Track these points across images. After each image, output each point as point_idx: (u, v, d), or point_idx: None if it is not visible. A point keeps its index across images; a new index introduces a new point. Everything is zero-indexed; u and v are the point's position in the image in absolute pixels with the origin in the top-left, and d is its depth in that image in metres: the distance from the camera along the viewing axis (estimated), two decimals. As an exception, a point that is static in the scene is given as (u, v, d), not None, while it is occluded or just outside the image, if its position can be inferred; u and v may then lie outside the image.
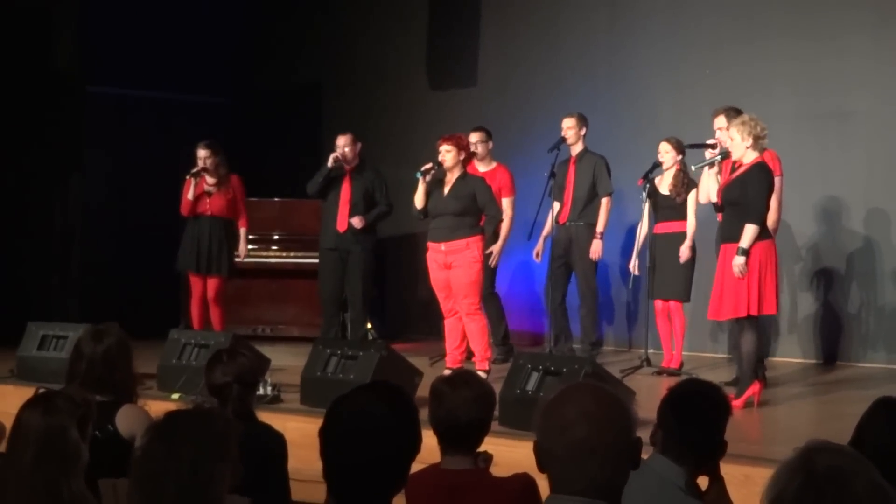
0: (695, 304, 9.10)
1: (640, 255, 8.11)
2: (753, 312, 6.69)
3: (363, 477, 2.41)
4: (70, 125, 10.60)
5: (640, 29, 9.81)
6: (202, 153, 8.86)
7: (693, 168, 7.71)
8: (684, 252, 7.91)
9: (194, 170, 8.85)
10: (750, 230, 6.63)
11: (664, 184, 8.07)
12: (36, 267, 10.47)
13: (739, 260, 6.61)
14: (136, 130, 11.16)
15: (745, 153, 6.74)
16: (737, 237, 6.68)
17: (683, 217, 8.01)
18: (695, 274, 8.07)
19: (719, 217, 7.12)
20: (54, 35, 10.53)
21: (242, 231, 9.11)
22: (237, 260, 9.10)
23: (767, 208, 6.76)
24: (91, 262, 10.69)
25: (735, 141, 6.76)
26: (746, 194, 6.70)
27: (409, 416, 2.51)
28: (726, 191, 6.89)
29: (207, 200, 8.92)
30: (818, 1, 8.89)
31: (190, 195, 8.87)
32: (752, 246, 6.62)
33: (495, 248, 8.35)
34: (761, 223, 6.69)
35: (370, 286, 9.19)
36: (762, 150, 6.81)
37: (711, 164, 7.39)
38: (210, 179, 8.90)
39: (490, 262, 8.35)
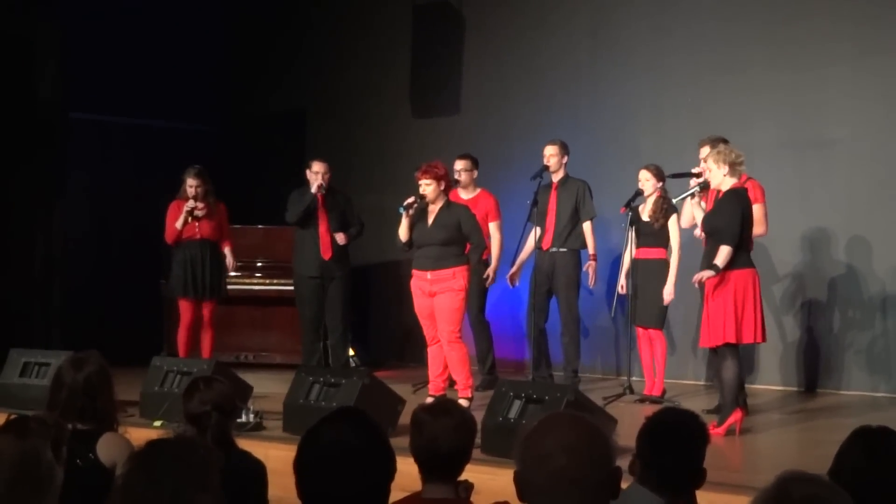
0: (676, 332, 9.14)
1: (627, 278, 8.13)
2: (732, 341, 6.73)
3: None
4: (52, 152, 10.58)
5: (622, 60, 9.88)
6: (192, 182, 8.84)
7: (674, 201, 7.80)
8: (668, 293, 7.88)
9: (188, 207, 8.79)
10: (724, 251, 6.70)
11: (646, 211, 8.11)
12: (18, 293, 10.42)
13: (707, 273, 6.67)
14: (119, 158, 11.14)
15: (722, 181, 6.83)
16: (719, 266, 6.74)
17: (663, 244, 8.03)
18: (677, 302, 8.10)
19: (704, 244, 7.17)
20: (37, 62, 10.51)
21: (227, 249, 9.09)
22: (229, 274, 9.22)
23: (741, 231, 6.79)
24: (73, 289, 10.65)
25: (713, 171, 6.87)
26: (721, 219, 6.78)
27: (379, 439, 2.52)
28: (706, 221, 7.00)
29: (196, 225, 8.89)
30: (798, 33, 8.97)
31: (179, 224, 8.84)
32: (725, 265, 6.67)
33: (489, 270, 8.37)
34: (734, 244, 6.73)
35: (350, 312, 9.21)
36: (739, 177, 6.89)
37: (692, 196, 7.45)
38: (199, 205, 8.88)
39: (486, 284, 8.39)
